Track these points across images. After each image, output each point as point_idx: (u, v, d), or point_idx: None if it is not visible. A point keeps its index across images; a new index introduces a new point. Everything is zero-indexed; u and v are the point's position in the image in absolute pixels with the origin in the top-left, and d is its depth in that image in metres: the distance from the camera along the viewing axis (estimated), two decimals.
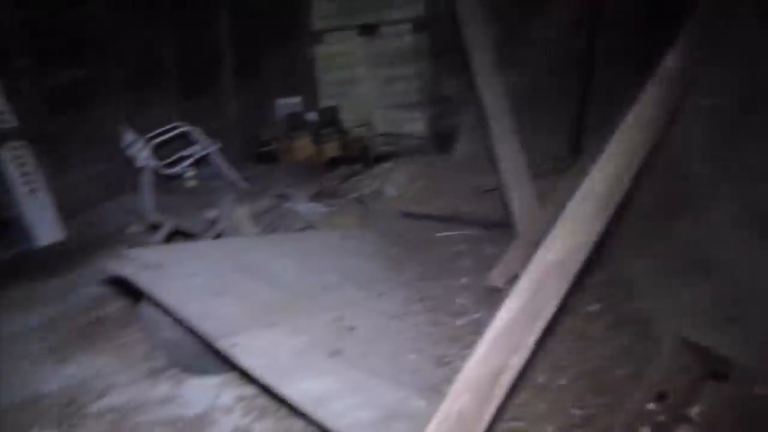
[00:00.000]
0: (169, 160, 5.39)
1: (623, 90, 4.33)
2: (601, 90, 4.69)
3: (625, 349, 2.47)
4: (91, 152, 5.77)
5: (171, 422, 2.39)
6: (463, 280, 3.29)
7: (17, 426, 2.48)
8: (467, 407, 1.54)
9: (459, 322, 2.83)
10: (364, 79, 6.91)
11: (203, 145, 5.56)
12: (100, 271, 3.58)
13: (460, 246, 3.79)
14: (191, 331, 2.37)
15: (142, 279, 2.57)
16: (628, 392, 2.08)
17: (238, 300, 2.56)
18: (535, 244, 3.22)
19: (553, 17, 5.31)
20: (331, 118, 6.76)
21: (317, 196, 5.02)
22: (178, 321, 2.43)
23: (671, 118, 2.60)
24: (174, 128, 5.39)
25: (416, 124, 6.49)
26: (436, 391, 2.26)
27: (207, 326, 2.30)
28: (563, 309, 2.80)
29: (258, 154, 6.80)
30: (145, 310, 2.79)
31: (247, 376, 2.43)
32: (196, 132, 5.58)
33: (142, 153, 5.16)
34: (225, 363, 2.53)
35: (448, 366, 2.44)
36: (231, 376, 2.63)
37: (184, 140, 5.62)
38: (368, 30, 6.76)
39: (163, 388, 2.68)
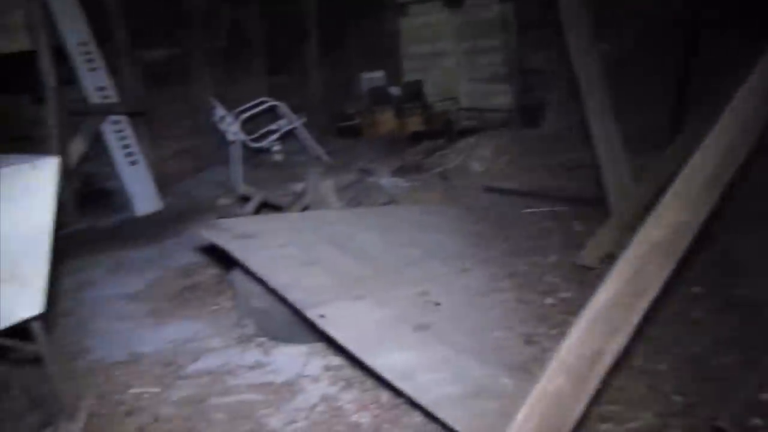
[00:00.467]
0: (256, 135, 5.53)
1: (733, 57, 4.00)
2: (707, 57, 4.34)
3: (732, 334, 2.30)
4: (184, 126, 6.04)
5: (261, 387, 2.47)
6: (552, 258, 3.18)
7: (121, 382, 2.65)
8: (563, 388, 1.48)
9: (548, 300, 2.75)
10: (448, 52, 6.77)
11: (289, 120, 5.66)
12: (194, 239, 3.74)
13: (548, 223, 3.66)
14: (280, 300, 2.43)
15: (234, 248, 2.64)
16: (737, 380, 1.94)
17: (325, 271, 2.59)
18: (630, 224, 3.08)
19: None
20: (414, 92, 6.69)
21: (400, 171, 5.00)
22: (268, 290, 2.49)
23: None
24: (262, 103, 5.51)
25: (502, 98, 6.30)
26: (524, 370, 2.20)
27: (296, 296, 2.34)
28: (666, 290, 2.66)
29: (341, 128, 6.85)
30: (236, 278, 2.88)
31: (333, 347, 2.47)
32: (283, 107, 5.68)
33: (231, 127, 5.31)
34: (311, 333, 2.57)
35: (536, 345, 2.37)
36: (317, 346, 2.68)
37: (271, 115, 5.74)
38: (454, 1, 6.60)
39: (253, 354, 2.77)
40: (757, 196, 2.90)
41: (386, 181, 4.68)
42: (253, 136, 5.44)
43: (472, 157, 4.82)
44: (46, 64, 4.59)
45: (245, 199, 4.33)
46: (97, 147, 5.20)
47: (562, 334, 2.38)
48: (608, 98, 3.40)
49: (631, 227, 3.11)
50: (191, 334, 3.03)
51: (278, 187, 4.74)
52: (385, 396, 2.29)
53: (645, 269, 1.67)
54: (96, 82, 5.05)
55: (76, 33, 4.96)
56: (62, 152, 4.72)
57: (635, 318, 1.62)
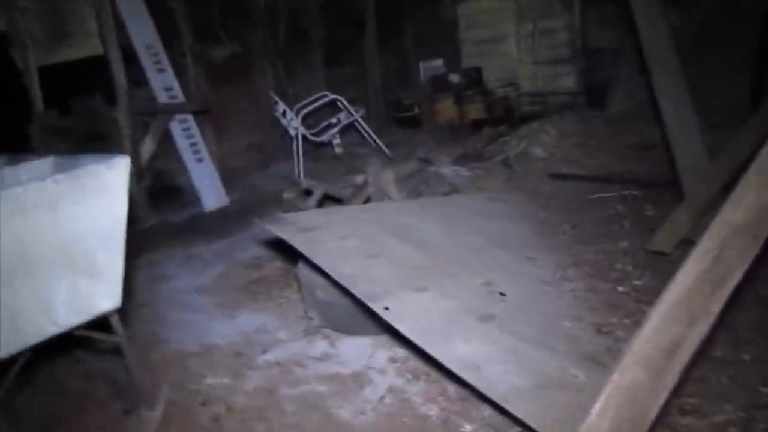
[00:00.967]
0: (317, 129, 5.59)
1: None
2: None
3: None
4: (247, 122, 6.18)
5: (330, 378, 2.50)
6: (622, 244, 3.05)
7: (195, 372, 2.74)
8: (639, 381, 1.41)
9: (619, 288, 2.64)
10: (508, 36, 6.60)
11: (348, 113, 5.69)
12: (260, 233, 3.82)
13: (617, 208, 3.52)
14: (344, 293, 2.44)
15: (298, 241, 2.68)
16: None
17: (388, 263, 2.59)
18: (706, 206, 2.92)
19: None
20: (474, 79, 6.57)
21: (461, 160, 4.93)
22: (332, 282, 2.51)
23: None
24: (321, 97, 5.56)
25: (566, 80, 6.10)
26: (595, 362, 2.13)
27: (360, 288, 2.35)
28: (748, 275, 2.50)
29: (401, 119, 6.82)
30: (301, 271, 2.93)
31: (398, 338, 2.47)
32: (342, 100, 5.71)
33: (292, 122, 5.39)
34: (376, 324, 2.59)
35: (608, 335, 2.28)
36: (382, 338, 2.68)
37: (331, 108, 5.78)
38: None
39: (319, 345, 2.80)
40: None
41: (447, 170, 4.63)
42: (313, 131, 5.50)
43: (534, 142, 4.69)
44: (116, 67, 4.82)
45: (308, 192, 4.39)
46: (167, 145, 5.40)
47: (636, 324, 2.30)
48: (679, 73, 3.22)
49: (707, 210, 2.96)
50: (260, 326, 3.11)
51: (339, 179, 4.78)
52: (451, 388, 2.27)
53: (726, 255, 1.56)
54: (164, 83, 5.25)
55: (144, 36, 5.17)
56: (133, 151, 4.95)
57: (716, 306, 1.52)
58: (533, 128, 4.96)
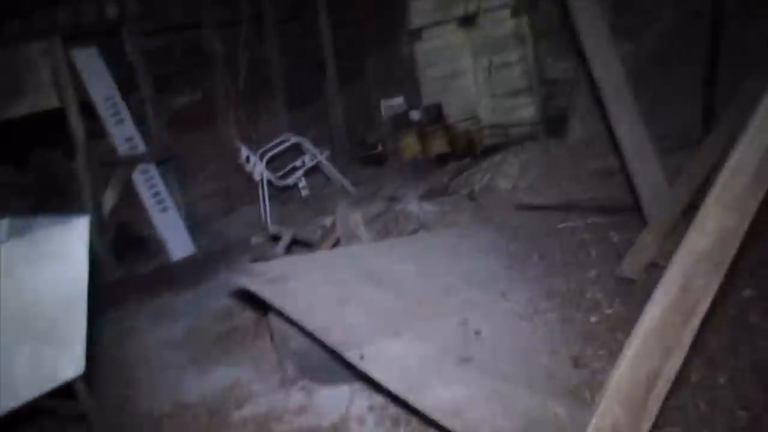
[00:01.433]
0: (282, 172, 5.58)
1: (761, 45, 3.88)
2: (734, 48, 4.21)
3: None
4: (212, 169, 6.14)
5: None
6: (592, 272, 3.08)
7: None
8: (620, 421, 1.40)
9: (592, 318, 2.65)
10: (466, 71, 6.73)
11: (313, 154, 5.70)
12: (229, 282, 3.75)
13: (584, 235, 3.56)
14: (319, 342, 2.40)
15: (269, 292, 2.63)
16: None
17: (362, 308, 2.56)
18: (669, 229, 2.98)
19: None
20: (435, 114, 6.66)
21: (428, 195, 4.96)
22: (305, 332, 2.47)
23: None
24: (285, 140, 5.56)
25: (525, 111, 6.22)
26: (576, 396, 2.12)
27: (333, 337, 2.31)
28: (716, 298, 2.54)
29: (365, 157, 6.85)
30: (274, 321, 2.87)
31: (376, 385, 2.42)
32: (306, 142, 5.72)
33: (257, 167, 5.36)
34: (353, 372, 2.54)
35: (585, 367, 2.28)
36: (360, 385, 2.63)
37: (295, 151, 5.78)
38: (467, 20, 6.60)
39: (296, 397, 2.73)
40: None
41: (414, 206, 4.65)
42: (278, 174, 5.48)
43: (498, 174, 4.75)
44: (74, 119, 4.76)
45: (276, 238, 4.35)
46: (130, 196, 5.32)
47: (611, 354, 2.30)
48: (632, 101, 3.31)
49: (671, 233, 3.01)
50: (234, 380, 3.02)
51: (307, 222, 4.75)
52: None
53: (693, 283, 1.58)
54: (124, 134, 5.20)
55: (101, 88, 5.14)
56: (94, 204, 4.86)
57: (688, 337, 1.54)
58: (496, 160, 5.03)
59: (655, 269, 2.79)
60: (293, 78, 6.75)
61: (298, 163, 5.66)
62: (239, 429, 2.58)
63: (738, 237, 1.70)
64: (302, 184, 5.80)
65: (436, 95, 6.92)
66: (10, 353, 2.01)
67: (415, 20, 7.01)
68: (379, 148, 6.74)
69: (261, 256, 4.13)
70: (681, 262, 1.62)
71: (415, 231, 4.18)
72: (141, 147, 5.28)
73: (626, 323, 2.43)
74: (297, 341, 2.72)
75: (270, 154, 5.41)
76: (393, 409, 2.41)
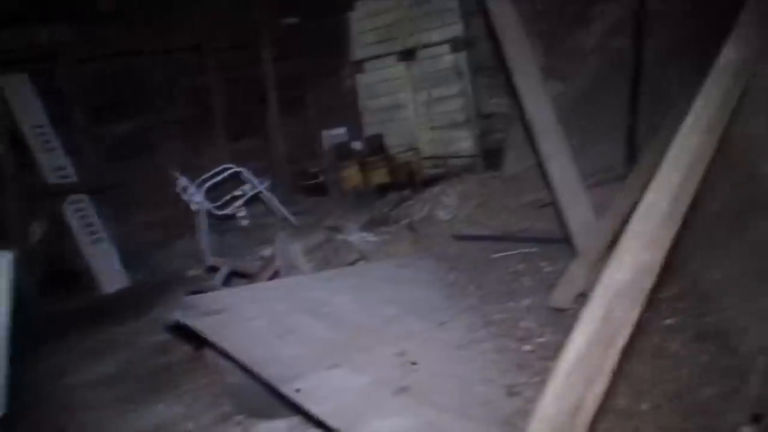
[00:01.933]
0: (221, 202, 5.51)
1: (677, 90, 4.18)
2: (653, 92, 4.51)
3: (709, 365, 2.31)
4: (148, 200, 5.99)
5: None
6: (525, 302, 3.18)
7: None
8: None
9: (525, 347, 2.73)
10: (407, 104, 6.91)
11: (254, 184, 5.66)
12: (163, 318, 3.65)
13: (519, 266, 3.68)
14: (255, 377, 2.37)
15: (205, 326, 2.58)
16: (718, 414, 1.93)
17: (299, 341, 2.55)
18: (596, 261, 3.12)
19: (595, 21, 5.19)
20: (377, 145, 6.78)
21: (369, 225, 5.01)
22: (242, 366, 2.43)
23: (733, 117, 2.46)
24: (225, 170, 5.51)
25: (463, 143, 6.42)
26: (510, 424, 2.17)
27: (270, 371, 2.29)
28: (638, 328, 2.67)
29: (307, 187, 6.87)
30: (210, 355, 2.81)
31: (314, 420, 2.40)
32: (246, 171, 5.68)
33: (195, 197, 5.28)
34: (292, 406, 2.51)
35: (519, 396, 2.33)
36: (298, 419, 2.60)
37: (236, 180, 5.73)
38: (408, 55, 6.79)
39: None
40: (719, 221, 2.97)
41: (355, 237, 4.68)
42: (217, 204, 5.41)
43: (437, 205, 4.87)
44: (1, 148, 4.56)
45: (214, 269, 4.28)
46: (62, 228, 5.12)
47: (543, 382, 2.36)
48: (562, 138, 3.48)
49: (597, 264, 3.15)
50: (168, 418, 2.93)
51: (247, 253, 4.70)
52: None
53: (613, 315, 1.68)
54: (54, 163, 5.03)
55: (31, 116, 4.96)
56: (22, 237, 4.65)
57: (609, 365, 1.62)
58: (435, 192, 5.15)
59: (584, 299, 2.90)
60: (234, 108, 6.73)
61: (237, 192, 5.60)
62: None
63: (653, 271, 1.81)
64: (242, 214, 5.73)
65: (378, 126, 7.06)
66: None
67: (358, 53, 7.17)
68: (321, 178, 6.77)
69: (198, 288, 4.05)
70: (601, 294, 1.71)
71: (355, 261, 4.21)
72: (73, 177, 5.11)
73: (557, 351, 2.51)
74: (234, 376, 2.67)
75: (209, 183, 5.34)
76: None
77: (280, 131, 7.04)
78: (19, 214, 4.68)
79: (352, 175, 6.57)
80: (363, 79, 7.23)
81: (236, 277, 4.21)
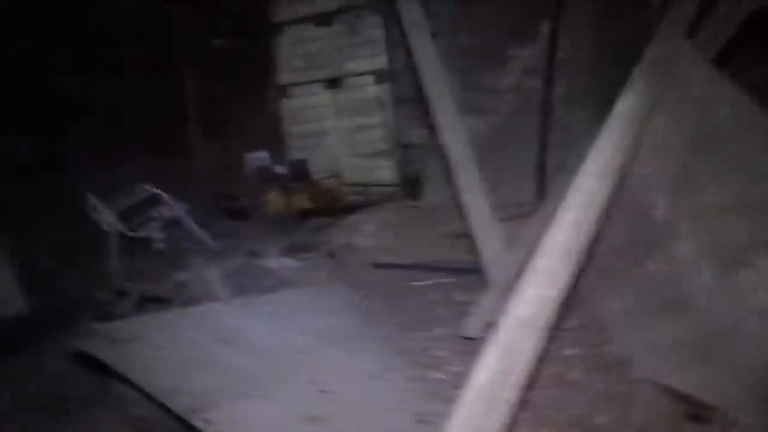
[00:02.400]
0: (135, 223, 5.32)
1: (583, 131, 4.48)
2: (562, 132, 4.81)
3: (605, 393, 2.46)
4: (55, 219, 5.67)
5: None
6: (438, 331, 3.27)
7: None
8: None
9: (437, 375, 2.80)
10: (331, 131, 6.98)
11: (170, 206, 5.52)
12: (66, 346, 3.46)
13: (434, 295, 3.78)
14: (162, 408, 2.30)
15: (110, 355, 2.49)
16: None
17: (210, 371, 2.50)
18: (504, 292, 3.26)
19: (512, 62, 5.49)
20: (300, 171, 6.78)
21: (289, 251, 4.99)
22: (149, 397, 2.36)
23: (630, 160, 2.68)
24: (140, 191, 5.34)
25: (384, 172, 6.55)
26: None
27: (179, 402, 2.23)
28: (541, 358, 2.81)
29: (228, 211, 6.75)
30: (116, 387, 2.70)
31: None
32: (163, 193, 5.53)
33: (107, 217, 5.08)
34: None
35: (428, 424, 2.39)
36: None
37: (152, 202, 5.56)
38: (333, 83, 6.88)
39: None
40: (618, 257, 3.18)
41: (275, 262, 4.65)
42: (131, 225, 5.23)
43: (357, 233, 4.92)
44: None
45: (124, 293, 4.12)
46: None
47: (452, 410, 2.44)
48: (476, 172, 3.64)
49: (506, 294, 3.29)
50: None
51: (161, 277, 4.55)
52: None
53: (514, 345, 1.77)
54: None
55: None
56: None
57: (511, 394, 1.70)
58: (356, 219, 5.21)
59: (492, 329, 3.02)
60: (154, 129, 6.55)
61: (153, 214, 5.44)
62: None
63: (554, 305, 1.93)
64: (157, 236, 5.55)
65: (302, 152, 7.08)
66: None
67: (284, 78, 7.20)
68: (242, 201, 6.69)
69: (106, 315, 3.88)
70: (504, 327, 1.81)
71: (273, 287, 4.18)
72: None
73: (467, 380, 2.60)
74: (141, 407, 2.58)
75: (122, 204, 5.16)
76: None
77: (201, 153, 6.92)
78: None
79: (274, 199, 6.53)
80: (289, 104, 7.25)
81: (148, 302, 4.07)
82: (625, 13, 4.71)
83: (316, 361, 2.77)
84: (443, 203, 5.13)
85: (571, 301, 3.17)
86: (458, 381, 2.69)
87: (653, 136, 2.89)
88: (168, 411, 2.29)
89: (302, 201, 6.48)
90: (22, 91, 5.52)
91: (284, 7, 7.04)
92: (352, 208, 5.86)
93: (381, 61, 6.48)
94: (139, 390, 2.40)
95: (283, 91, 7.25)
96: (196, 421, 2.15)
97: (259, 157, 7.14)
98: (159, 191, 5.51)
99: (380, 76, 6.53)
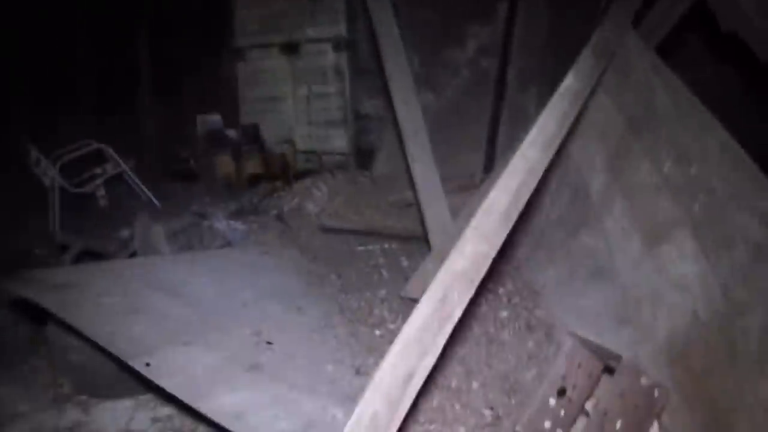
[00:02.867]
0: (79, 179, 5.19)
1: (533, 109, 4.61)
2: (513, 109, 4.94)
3: (532, 352, 2.61)
4: None
5: None
6: (381, 292, 3.36)
7: None
8: (379, 411, 1.60)
9: (377, 332, 2.90)
10: (286, 97, 6.90)
11: (116, 163, 5.40)
12: (2, 293, 3.39)
13: (379, 259, 3.87)
14: (102, 353, 2.31)
15: (48, 300, 2.46)
16: (534, 390, 2.20)
17: (152, 319, 2.51)
18: (447, 256, 3.38)
19: (469, 39, 5.57)
20: (252, 136, 6.70)
21: (237, 214, 4.97)
22: (88, 342, 2.36)
23: (571, 137, 2.80)
24: (84, 146, 5.20)
25: (338, 141, 6.54)
26: (354, 401, 2.30)
27: (119, 346, 2.25)
28: (476, 316, 2.95)
29: (176, 172, 6.64)
30: (52, 333, 2.68)
31: (162, 397, 2.39)
32: (109, 150, 5.40)
33: (49, 171, 4.93)
34: (138, 385, 2.48)
35: (366, 375, 2.48)
36: (145, 398, 2.56)
37: (97, 159, 5.43)
38: (290, 48, 6.79)
39: (71, 414, 2.57)
40: (555, 229, 3.33)
41: (222, 224, 4.62)
42: (74, 181, 5.09)
43: (307, 198, 4.94)
44: None
45: (65, 248, 4.04)
46: None
47: None
48: (428, 144, 3.72)
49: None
50: (1, 399, 2.73)
51: (104, 233, 4.47)
52: None
53: (449, 296, 1.87)
54: None
55: None
56: None
57: (442, 340, 1.80)
58: (307, 185, 5.22)
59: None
60: (103, 85, 6.36)
61: (98, 171, 5.31)
62: None
63: (488, 261, 2.04)
64: (101, 193, 5.43)
65: (255, 116, 6.99)
66: None
67: (240, 40, 7.05)
68: (192, 163, 6.58)
69: (45, 267, 3.79)
70: (441, 278, 1.91)
71: (220, 247, 4.17)
72: None
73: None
74: (79, 354, 2.57)
75: (65, 158, 5.01)
76: (179, 420, 2.40)
77: (151, 111, 6.75)
78: None
79: (225, 163, 6.44)
80: (243, 68, 7.12)
81: (90, 256, 4.00)
82: None
83: (260, 315, 2.82)
84: (394, 174, 5.22)
85: (508, 268, 3.34)
86: (396, 337, 2.80)
87: (594, 116, 3.03)
88: (109, 356, 2.30)
89: (253, 166, 6.42)
90: None
91: None
92: (303, 175, 5.86)
93: (340, 29, 6.43)
94: (78, 335, 2.39)
95: (238, 53, 7.12)
96: (137, 365, 2.17)
97: (210, 119, 7.02)
98: (104, 147, 5.38)
99: (339, 43, 6.48)
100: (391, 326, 2.94)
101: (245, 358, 2.38)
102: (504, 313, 2.94)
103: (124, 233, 4.26)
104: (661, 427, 1.91)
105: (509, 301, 3.04)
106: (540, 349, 2.63)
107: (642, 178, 2.83)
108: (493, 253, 2.04)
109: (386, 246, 4.02)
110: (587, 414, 1.95)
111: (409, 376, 1.68)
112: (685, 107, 2.79)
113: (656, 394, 1.94)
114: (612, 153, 3.03)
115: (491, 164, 4.86)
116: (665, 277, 2.49)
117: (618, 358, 2.00)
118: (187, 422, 2.36)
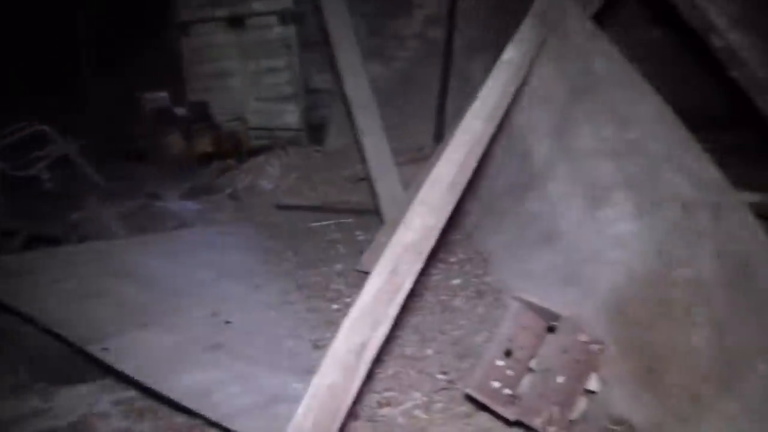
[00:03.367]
0: (20, 162, 5.03)
1: (480, 79, 4.68)
2: (461, 79, 5.01)
3: (483, 317, 2.73)
4: None
5: None
6: (338, 267, 3.42)
7: None
8: (335, 381, 1.67)
9: (334, 306, 2.97)
10: (234, 72, 6.80)
11: (60, 145, 5.25)
12: None
13: (334, 234, 3.92)
14: (58, 339, 2.31)
15: (1, 289, 2.44)
16: (484, 353, 2.32)
17: (107, 303, 2.52)
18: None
19: (416, 10, 5.58)
20: (201, 113, 6.59)
21: (189, 193, 4.93)
22: (43, 329, 2.35)
23: (514, 105, 2.89)
24: (24, 127, 5.03)
25: (289, 117, 6.52)
26: (313, 374, 2.38)
27: (76, 332, 2.26)
28: (428, 285, 3.05)
29: (126, 152, 6.50)
30: (5, 321, 2.65)
31: (123, 380, 2.41)
32: (51, 131, 5.24)
33: None
34: (97, 369, 2.49)
35: (323, 349, 2.55)
36: (106, 382, 2.56)
37: (39, 140, 5.26)
38: (236, 22, 6.66)
39: (30, 402, 2.55)
40: (501, 195, 3.44)
41: (175, 204, 4.60)
42: (15, 164, 4.94)
43: (261, 175, 4.94)
44: None
45: (11, 233, 3.94)
46: None
47: None
48: (378, 117, 3.76)
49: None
50: None
51: (51, 217, 4.38)
52: (181, 420, 2.28)
53: (400, 268, 1.95)
54: None
55: None
56: None
57: (394, 310, 1.88)
58: (260, 162, 5.21)
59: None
60: (41, 62, 6.11)
61: (41, 153, 5.16)
62: None
63: (436, 232, 2.12)
64: (45, 176, 5.28)
65: (203, 93, 6.86)
66: None
67: (184, 14, 6.87)
68: (140, 143, 6.45)
69: None
70: (391, 251, 1.98)
71: (175, 228, 4.15)
72: None
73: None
74: (35, 341, 2.56)
75: (4, 141, 4.85)
76: (141, 402, 2.41)
77: (93, 90, 6.55)
78: None
79: (175, 141, 6.34)
80: (188, 43, 6.95)
81: (39, 242, 3.92)
82: None
83: (217, 294, 2.85)
84: (347, 148, 5.24)
85: (459, 237, 3.44)
86: None
87: (536, 84, 3.12)
88: (65, 343, 2.31)
89: (204, 144, 6.34)
90: None
91: None
92: (255, 152, 5.82)
93: (286, 1, 6.35)
94: (32, 322, 2.39)
95: (182, 28, 6.94)
96: (94, 350, 2.19)
97: (157, 97, 6.85)
98: (46, 128, 5.21)
99: (285, 16, 6.41)
100: (348, 300, 3.01)
101: (205, 338, 2.42)
102: (456, 281, 3.05)
103: (74, 216, 4.18)
104: (599, 378, 2.05)
105: (461, 269, 3.15)
106: (489, 314, 2.75)
107: (583, 143, 2.94)
108: (440, 225, 2.12)
109: (342, 221, 4.08)
110: (532, 371, 2.07)
111: (363, 347, 1.76)
112: (621, 73, 2.90)
113: (595, 348, 2.08)
114: (555, 119, 3.12)
115: (441, 134, 4.94)
116: (606, 237, 2.62)
117: (559, 317, 2.13)
118: (150, 403, 2.38)
